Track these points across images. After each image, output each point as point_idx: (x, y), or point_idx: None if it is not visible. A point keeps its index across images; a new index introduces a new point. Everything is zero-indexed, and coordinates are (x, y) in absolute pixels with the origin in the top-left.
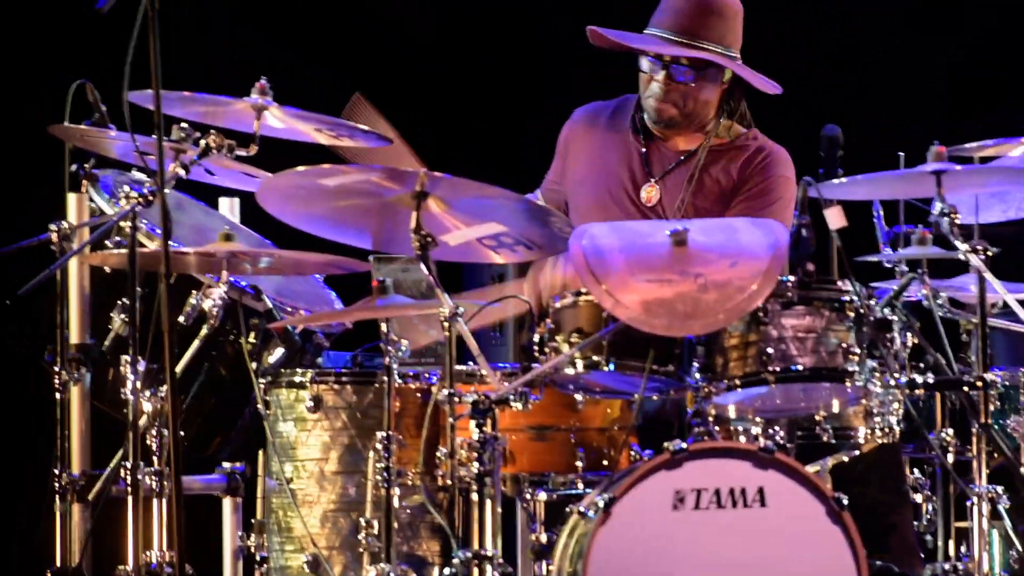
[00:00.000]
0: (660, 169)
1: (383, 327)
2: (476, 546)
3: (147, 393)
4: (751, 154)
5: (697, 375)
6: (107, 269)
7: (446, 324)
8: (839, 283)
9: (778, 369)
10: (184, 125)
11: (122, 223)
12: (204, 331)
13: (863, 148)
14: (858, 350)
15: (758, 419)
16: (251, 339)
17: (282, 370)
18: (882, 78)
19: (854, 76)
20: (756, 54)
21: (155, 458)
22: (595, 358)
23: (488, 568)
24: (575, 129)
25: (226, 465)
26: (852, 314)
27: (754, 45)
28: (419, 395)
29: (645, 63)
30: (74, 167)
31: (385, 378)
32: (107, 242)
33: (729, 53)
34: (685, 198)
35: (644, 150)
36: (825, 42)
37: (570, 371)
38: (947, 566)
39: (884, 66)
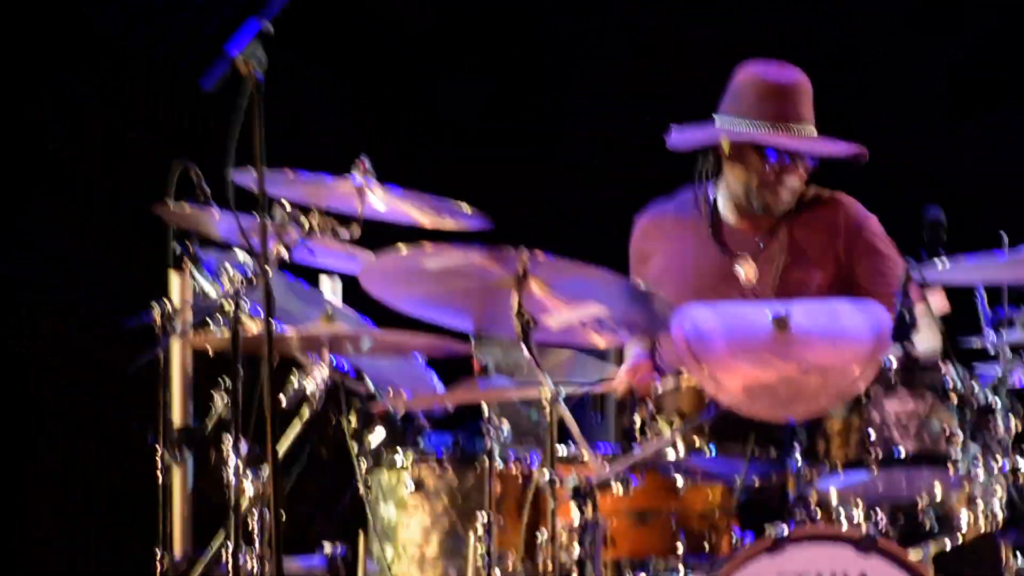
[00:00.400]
0: (750, 246)
1: (484, 409)
2: None
3: (249, 475)
4: (832, 211)
5: (799, 459)
6: (214, 350)
7: (547, 407)
8: (943, 367)
9: (880, 454)
10: (287, 205)
11: (225, 304)
12: (306, 413)
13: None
14: (961, 435)
15: (860, 504)
16: (352, 421)
17: (383, 452)
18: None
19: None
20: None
21: (256, 540)
22: (696, 442)
23: None
24: (644, 233)
25: (327, 547)
26: (955, 399)
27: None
28: (520, 478)
29: (771, 156)
30: (177, 247)
31: (486, 461)
32: (211, 323)
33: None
34: (778, 269)
35: (722, 232)
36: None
37: (672, 455)
38: None
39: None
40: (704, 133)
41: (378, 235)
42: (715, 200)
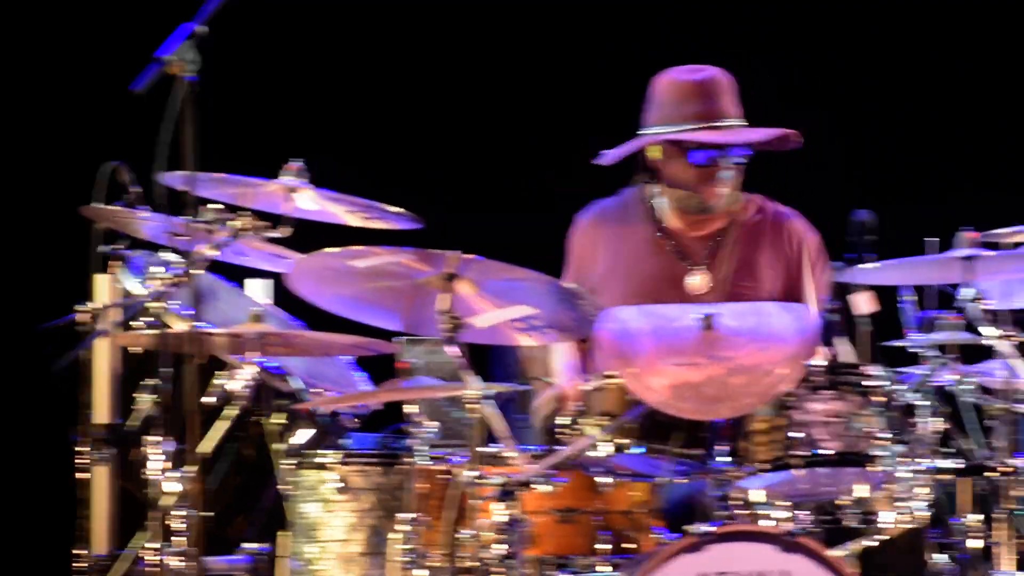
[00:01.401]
0: (700, 257)
1: (410, 409)
2: None
3: (173, 473)
4: (778, 227)
5: (723, 459)
6: (139, 350)
7: (473, 407)
8: (866, 368)
9: (804, 453)
10: (216, 206)
11: (152, 304)
12: (231, 412)
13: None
14: (884, 435)
15: (784, 503)
16: (278, 420)
17: (308, 451)
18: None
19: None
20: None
21: (179, 539)
22: (622, 441)
23: None
24: (585, 233)
25: (249, 546)
26: (879, 399)
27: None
28: (444, 477)
29: (697, 155)
30: (104, 248)
31: (410, 460)
32: (137, 323)
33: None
34: (727, 279)
35: (671, 241)
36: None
37: (596, 454)
38: None
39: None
40: (630, 145)
41: (308, 236)
42: (656, 203)
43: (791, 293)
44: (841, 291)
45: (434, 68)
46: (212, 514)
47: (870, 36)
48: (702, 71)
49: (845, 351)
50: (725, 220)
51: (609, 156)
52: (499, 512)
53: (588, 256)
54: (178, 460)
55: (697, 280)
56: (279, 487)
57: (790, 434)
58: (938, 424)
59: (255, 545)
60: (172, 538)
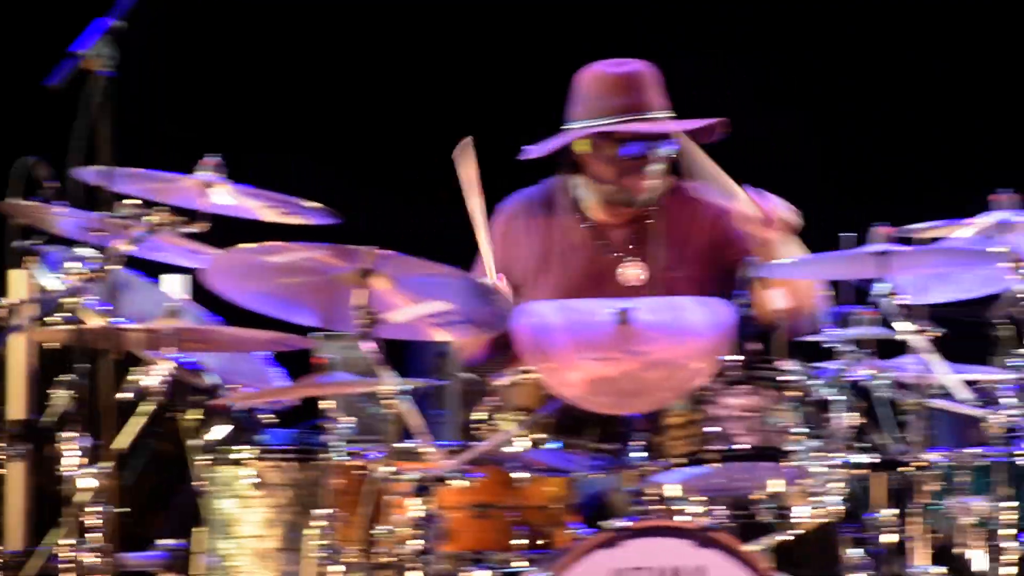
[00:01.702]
0: (627, 247)
1: (326, 405)
2: None
3: (88, 469)
4: (700, 209)
5: (639, 454)
6: (54, 345)
7: (389, 403)
8: (782, 363)
9: (720, 448)
10: (132, 202)
11: (68, 299)
12: (148, 408)
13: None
14: (799, 430)
15: (699, 498)
16: (194, 416)
17: (224, 447)
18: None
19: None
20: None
21: (94, 535)
22: (538, 436)
23: None
24: (509, 223)
25: (165, 542)
26: (794, 394)
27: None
28: (360, 472)
29: (626, 148)
30: (18, 243)
31: (327, 455)
32: (52, 318)
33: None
34: (661, 268)
35: (596, 233)
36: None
37: (512, 449)
38: None
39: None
40: (558, 140)
41: (224, 232)
42: (580, 194)
43: (723, 276)
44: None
45: (350, 61)
46: (128, 510)
47: (787, 32)
48: (627, 64)
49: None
50: (649, 208)
51: (536, 150)
52: (415, 508)
53: (513, 247)
54: (93, 456)
55: (632, 271)
56: (195, 483)
57: (705, 429)
58: (853, 419)
59: (171, 541)
60: (87, 534)
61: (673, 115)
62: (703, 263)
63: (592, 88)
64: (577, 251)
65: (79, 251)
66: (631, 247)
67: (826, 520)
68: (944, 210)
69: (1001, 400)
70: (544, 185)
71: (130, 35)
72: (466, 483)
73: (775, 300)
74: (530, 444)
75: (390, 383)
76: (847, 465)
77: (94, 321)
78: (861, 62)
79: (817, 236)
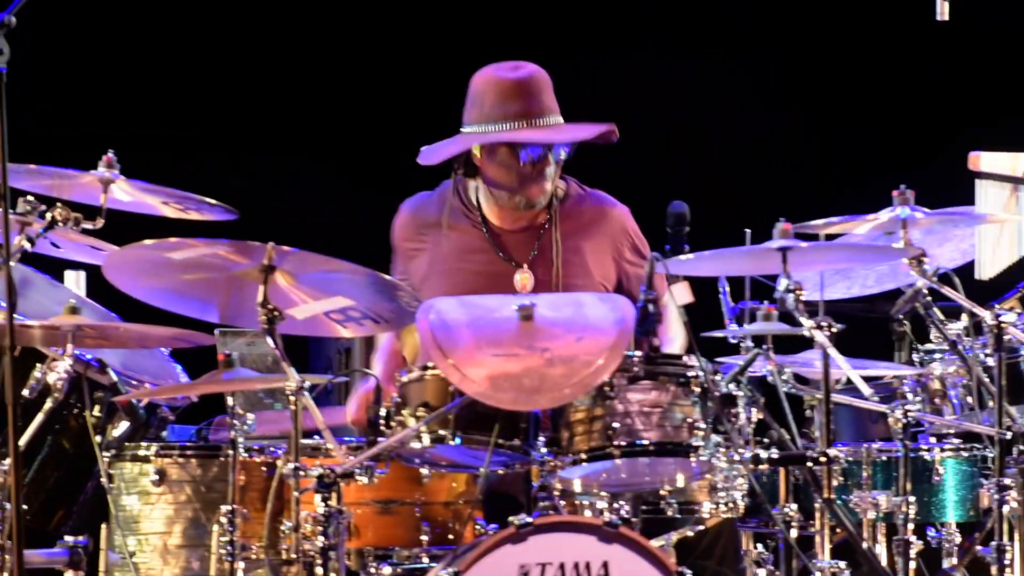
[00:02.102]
0: (525, 253)
1: (229, 401)
2: None
3: None
4: (599, 216)
5: (543, 449)
6: None
7: (292, 398)
8: (685, 358)
9: (623, 443)
10: (30, 198)
11: None
12: (48, 404)
13: (709, 224)
14: (703, 425)
15: (603, 493)
16: (95, 412)
17: (126, 443)
18: (728, 154)
19: (700, 151)
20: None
21: None
22: (441, 432)
23: None
24: (406, 225)
25: (68, 539)
26: (697, 389)
27: (602, 117)
28: (264, 469)
29: (524, 154)
30: None
31: (230, 452)
32: None
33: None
34: (556, 272)
35: (493, 239)
36: (672, 117)
37: (416, 445)
38: None
39: (730, 142)
40: (455, 145)
41: (124, 228)
42: (477, 198)
43: (621, 279)
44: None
45: (251, 58)
46: (30, 507)
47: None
48: (521, 68)
49: (681, 295)
50: (545, 212)
51: (432, 155)
52: (319, 504)
53: (411, 252)
54: None
55: (524, 279)
56: (98, 480)
57: (609, 424)
58: (756, 414)
59: (74, 538)
60: None
61: (562, 122)
62: (602, 269)
63: (487, 93)
64: (472, 256)
65: None
66: (527, 253)
67: (730, 515)
68: (845, 206)
69: (902, 395)
70: (440, 188)
71: (22, 31)
72: (370, 479)
73: (678, 296)
74: (434, 440)
75: (293, 379)
76: (751, 460)
77: None
78: (768, 60)
79: (721, 231)
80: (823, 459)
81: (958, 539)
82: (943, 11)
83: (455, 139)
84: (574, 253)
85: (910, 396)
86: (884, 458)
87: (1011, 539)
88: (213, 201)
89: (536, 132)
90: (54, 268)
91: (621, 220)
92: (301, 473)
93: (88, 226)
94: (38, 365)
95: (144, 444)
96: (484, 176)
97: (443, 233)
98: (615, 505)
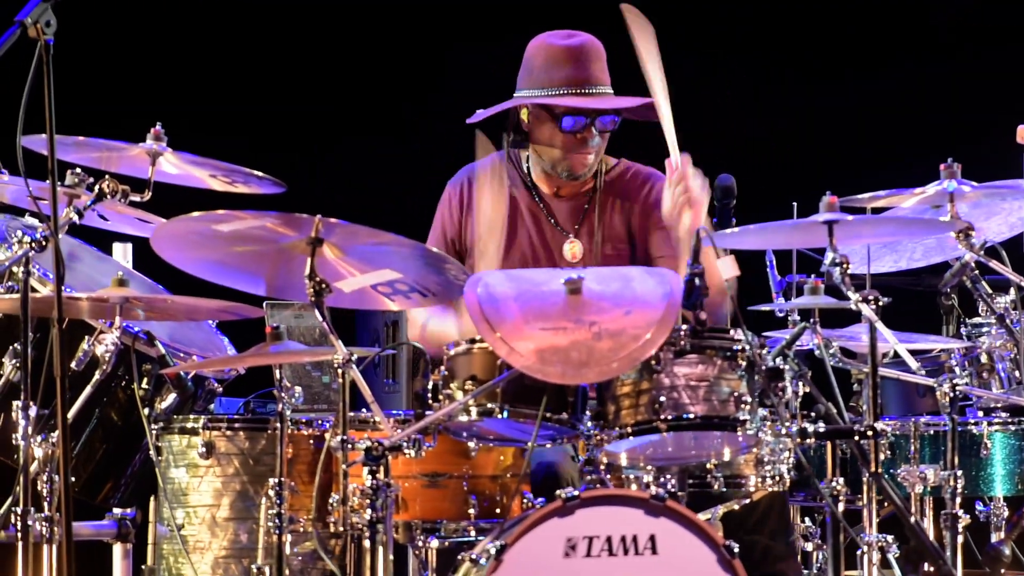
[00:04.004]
0: (572, 222)
1: (276, 373)
2: None
3: (38, 439)
4: (640, 186)
5: (590, 423)
6: (1, 315)
7: (339, 371)
8: (731, 332)
9: (670, 417)
10: (78, 170)
11: (14, 268)
12: (96, 377)
13: (757, 197)
14: (750, 399)
15: (650, 467)
16: (143, 385)
17: (174, 416)
18: (775, 127)
19: (748, 125)
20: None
21: (46, 504)
22: (489, 405)
23: None
24: (460, 193)
25: (117, 511)
26: (744, 363)
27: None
28: (312, 441)
29: (567, 121)
30: None
31: (278, 424)
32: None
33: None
34: (597, 243)
35: (544, 205)
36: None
37: (463, 418)
38: None
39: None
40: (501, 105)
41: (171, 200)
42: (528, 169)
43: (660, 255)
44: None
45: (300, 32)
46: (79, 479)
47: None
48: (575, 36)
49: (728, 268)
50: (590, 184)
51: (479, 115)
52: (367, 477)
53: (463, 217)
54: (44, 425)
55: (574, 248)
56: (146, 452)
57: (656, 398)
58: (803, 388)
59: (123, 511)
60: (40, 504)
61: (612, 92)
62: (642, 243)
63: (539, 59)
64: (522, 224)
65: (26, 220)
66: (573, 222)
67: (777, 488)
68: (892, 179)
69: (950, 369)
70: (492, 158)
71: (70, 3)
72: (418, 452)
73: (725, 269)
74: (482, 413)
75: (340, 352)
76: (798, 434)
77: (42, 290)
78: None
79: (768, 205)
80: (870, 433)
81: (1006, 513)
82: None
83: (531, 99)
84: (617, 226)
85: (957, 370)
86: (931, 432)
87: None
88: (261, 174)
89: (578, 99)
90: (102, 240)
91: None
92: (349, 446)
93: (136, 198)
94: (86, 337)
95: (192, 416)
96: (532, 143)
97: (493, 201)
98: (661, 479)
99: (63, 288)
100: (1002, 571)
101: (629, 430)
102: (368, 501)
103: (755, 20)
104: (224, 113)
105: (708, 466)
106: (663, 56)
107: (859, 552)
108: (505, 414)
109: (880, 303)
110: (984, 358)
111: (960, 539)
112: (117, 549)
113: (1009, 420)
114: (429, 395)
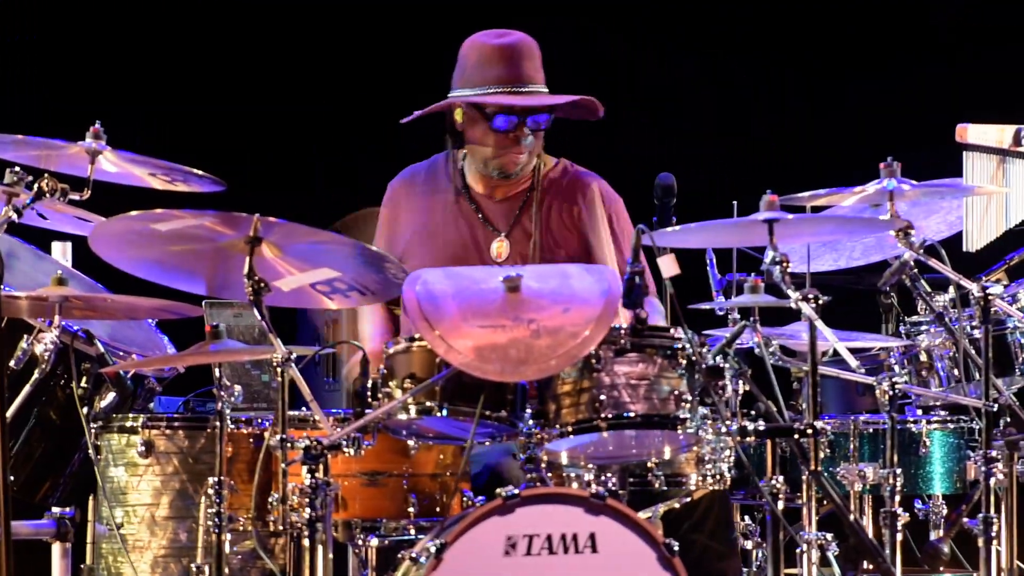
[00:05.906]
0: (505, 222)
1: (216, 372)
2: None
3: None
4: (582, 186)
5: (530, 421)
6: None
7: (278, 370)
8: (672, 330)
9: (610, 416)
10: (17, 169)
11: None
12: (35, 376)
13: (696, 196)
14: (690, 397)
15: (590, 465)
16: (82, 384)
17: (113, 415)
18: (715, 126)
19: (688, 123)
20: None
21: None
22: (428, 404)
23: None
24: (394, 197)
25: (56, 510)
26: (684, 361)
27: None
28: (251, 440)
29: (499, 120)
30: None
31: (217, 423)
32: None
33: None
34: (535, 242)
35: (475, 205)
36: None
37: (403, 417)
38: None
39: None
40: (433, 105)
41: (111, 199)
42: (463, 168)
43: (595, 256)
44: (645, 254)
45: (239, 30)
46: (17, 478)
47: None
48: (507, 35)
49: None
50: (527, 184)
51: (414, 115)
52: (306, 476)
53: (396, 220)
54: None
55: (500, 246)
56: (85, 451)
57: (596, 396)
58: (743, 386)
59: (61, 510)
60: None
61: (546, 90)
62: (576, 244)
63: (471, 57)
64: (453, 224)
65: None
66: (506, 222)
67: (717, 487)
68: (832, 178)
69: (889, 367)
70: (431, 159)
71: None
72: (356, 451)
73: (665, 268)
74: (420, 411)
75: (280, 351)
76: (738, 432)
77: None
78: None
79: (708, 203)
80: (810, 431)
81: (945, 511)
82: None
83: (456, 98)
84: (550, 226)
85: (897, 368)
86: (871, 430)
87: (997, 511)
88: (200, 172)
89: (510, 98)
90: (41, 239)
91: (601, 197)
92: (288, 445)
93: (75, 197)
94: (25, 336)
95: (131, 415)
96: (466, 143)
97: (427, 201)
98: (602, 477)
99: (2, 287)
100: (940, 569)
101: (570, 429)
102: (308, 500)
103: (755, 20)
104: (165, 112)
105: (649, 464)
106: (663, 56)
107: (799, 550)
108: (444, 412)
109: (820, 301)
110: (923, 356)
111: (899, 537)
112: (56, 548)
113: (948, 418)
114: (368, 394)
